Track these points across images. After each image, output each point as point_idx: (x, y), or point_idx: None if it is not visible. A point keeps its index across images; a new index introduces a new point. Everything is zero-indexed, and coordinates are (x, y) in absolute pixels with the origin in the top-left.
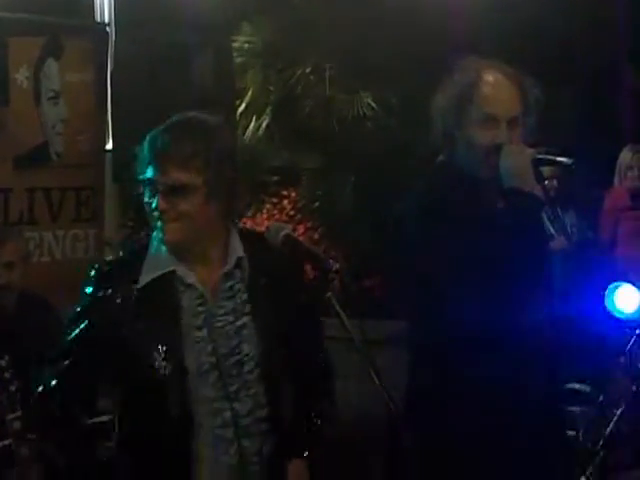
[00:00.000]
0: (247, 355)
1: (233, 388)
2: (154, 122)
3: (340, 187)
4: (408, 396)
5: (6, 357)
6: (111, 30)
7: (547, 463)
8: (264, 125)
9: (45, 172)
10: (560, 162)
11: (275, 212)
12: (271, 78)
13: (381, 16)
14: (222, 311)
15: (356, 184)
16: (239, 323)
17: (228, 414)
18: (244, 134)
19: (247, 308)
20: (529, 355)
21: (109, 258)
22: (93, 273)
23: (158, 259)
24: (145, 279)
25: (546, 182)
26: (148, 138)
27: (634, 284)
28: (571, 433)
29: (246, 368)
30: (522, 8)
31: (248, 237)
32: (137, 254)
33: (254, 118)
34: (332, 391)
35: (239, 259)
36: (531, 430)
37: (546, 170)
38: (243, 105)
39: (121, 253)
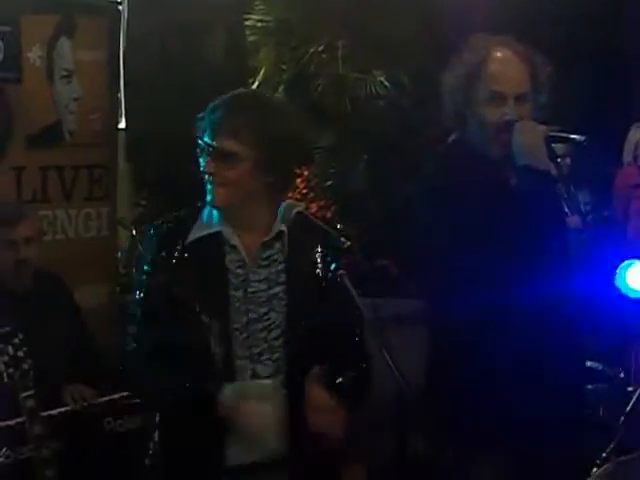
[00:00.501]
0: (274, 323)
1: (257, 350)
2: (167, 101)
3: (353, 165)
4: (429, 374)
5: (20, 335)
6: (124, 8)
7: (564, 439)
8: None
9: (58, 151)
10: (573, 139)
11: None
12: (284, 56)
13: None
14: (256, 277)
15: (369, 162)
16: (271, 292)
17: (248, 374)
18: None
19: (282, 278)
20: (546, 332)
21: (163, 219)
22: (153, 234)
23: (207, 221)
24: (192, 237)
25: (559, 160)
26: (210, 106)
27: None
28: (587, 411)
29: (272, 334)
30: None
31: (295, 212)
32: (190, 218)
33: None
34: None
35: (280, 232)
36: (550, 405)
37: (559, 148)
38: (256, 83)
39: (134, 232)
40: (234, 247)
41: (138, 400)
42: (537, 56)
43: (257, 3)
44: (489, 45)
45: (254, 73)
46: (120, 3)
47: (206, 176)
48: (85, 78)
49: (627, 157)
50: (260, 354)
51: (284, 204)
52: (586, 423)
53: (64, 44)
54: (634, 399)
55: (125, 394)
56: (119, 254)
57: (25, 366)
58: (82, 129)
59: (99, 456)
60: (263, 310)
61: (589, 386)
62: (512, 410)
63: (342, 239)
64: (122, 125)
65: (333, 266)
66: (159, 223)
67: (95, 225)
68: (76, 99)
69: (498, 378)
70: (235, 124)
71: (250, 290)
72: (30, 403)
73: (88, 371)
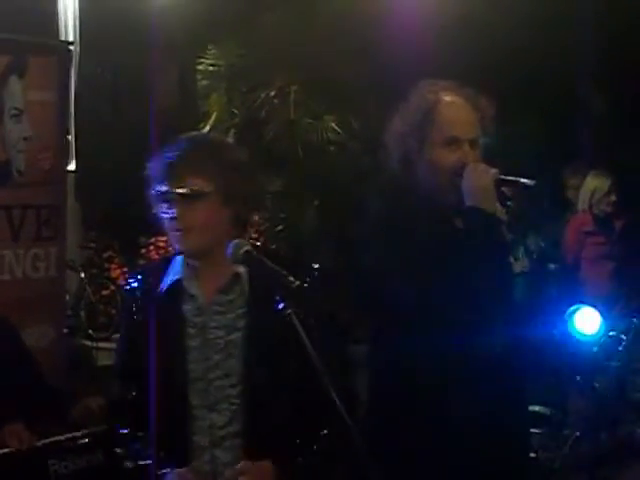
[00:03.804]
0: (232, 369)
1: (214, 399)
2: (117, 142)
3: (303, 211)
4: (370, 420)
5: None
6: (75, 49)
7: None
8: None
9: (6, 190)
10: (522, 183)
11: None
12: (235, 101)
13: (345, 41)
14: (214, 324)
15: (319, 208)
16: (229, 338)
17: (206, 423)
18: None
19: (241, 323)
20: (495, 377)
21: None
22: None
23: (176, 265)
24: (164, 286)
25: (508, 203)
26: (160, 155)
27: (595, 307)
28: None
29: (229, 382)
30: (485, 35)
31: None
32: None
33: None
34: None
35: (236, 274)
36: (496, 454)
37: (506, 191)
38: (207, 128)
39: (82, 274)
40: (192, 295)
41: (85, 441)
42: (481, 100)
43: (209, 48)
44: (437, 90)
45: (205, 117)
46: (72, 43)
47: (171, 223)
48: (35, 117)
49: (582, 205)
50: (216, 403)
51: (232, 243)
52: (530, 468)
53: (14, 83)
54: (571, 441)
55: (72, 435)
56: (67, 296)
57: None
58: (31, 168)
59: None
60: (221, 357)
61: (536, 430)
62: (455, 453)
63: (291, 278)
64: (72, 166)
65: (281, 305)
66: (144, 266)
67: (43, 266)
68: (26, 138)
69: (444, 422)
70: (198, 160)
71: (209, 337)
72: None
73: (35, 411)
